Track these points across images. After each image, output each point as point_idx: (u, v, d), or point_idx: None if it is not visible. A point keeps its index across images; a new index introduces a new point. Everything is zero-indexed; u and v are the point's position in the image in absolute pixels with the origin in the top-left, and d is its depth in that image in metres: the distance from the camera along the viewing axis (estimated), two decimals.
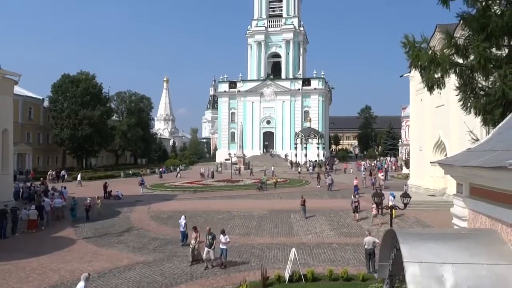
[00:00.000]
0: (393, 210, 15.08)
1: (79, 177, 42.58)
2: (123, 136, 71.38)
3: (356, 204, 22.99)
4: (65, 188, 30.50)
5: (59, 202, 24.33)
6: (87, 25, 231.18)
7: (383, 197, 16.43)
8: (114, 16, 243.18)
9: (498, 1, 9.89)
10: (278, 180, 39.96)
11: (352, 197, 24.28)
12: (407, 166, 44.17)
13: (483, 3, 9.82)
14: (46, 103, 59.37)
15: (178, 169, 57.30)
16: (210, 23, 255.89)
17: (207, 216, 23.92)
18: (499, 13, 9.63)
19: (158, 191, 37.19)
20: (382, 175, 38.96)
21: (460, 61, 10.43)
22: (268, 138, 78.42)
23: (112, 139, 67.01)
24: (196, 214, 24.62)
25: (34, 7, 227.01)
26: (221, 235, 14.74)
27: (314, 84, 76.61)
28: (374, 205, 21.94)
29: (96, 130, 57.47)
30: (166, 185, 40.50)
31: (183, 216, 18.65)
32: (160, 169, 55.27)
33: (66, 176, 46.62)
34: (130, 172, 54.40)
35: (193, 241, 15.23)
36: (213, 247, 14.39)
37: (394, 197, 23.75)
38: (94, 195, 31.94)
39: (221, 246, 14.55)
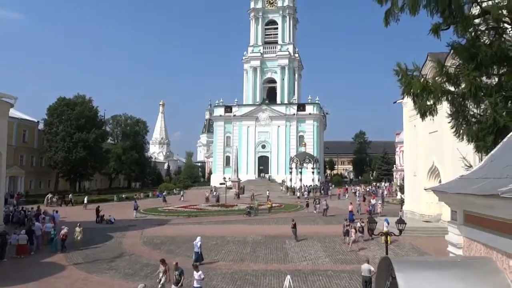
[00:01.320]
0: (388, 236, 14.96)
1: (85, 200, 42.50)
2: (118, 159, 71.11)
3: (348, 228, 23.16)
4: (56, 212, 30.03)
5: (49, 227, 23.85)
6: (85, 48, 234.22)
7: (376, 223, 16.34)
8: (113, 40, 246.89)
9: (487, 32, 10.20)
10: (273, 205, 39.70)
11: (344, 221, 24.64)
12: (402, 192, 44.16)
13: (473, 34, 10.11)
14: (41, 126, 59.29)
15: (181, 192, 56.95)
16: (206, 48, 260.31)
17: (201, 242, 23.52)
18: (488, 43, 9.92)
19: (152, 215, 36.69)
20: (377, 201, 38.78)
21: (452, 89, 10.64)
22: (263, 163, 78.39)
23: (107, 162, 66.67)
24: (189, 239, 24.14)
25: (34, 31, 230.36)
26: (194, 272, 13.34)
27: (309, 109, 77.40)
28: (353, 230, 22.06)
29: (91, 153, 57.24)
30: (160, 210, 40.03)
31: (198, 237, 18.95)
32: (164, 193, 54.99)
33: (72, 200, 45.82)
34: (123, 196, 53.86)
35: (161, 275, 13.76)
36: (180, 284, 13.02)
37: (388, 223, 23.64)
38: (90, 219, 31.61)
39: (195, 284, 13.21)
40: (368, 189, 60.47)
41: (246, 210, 36.42)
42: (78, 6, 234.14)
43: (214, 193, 53.71)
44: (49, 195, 46.13)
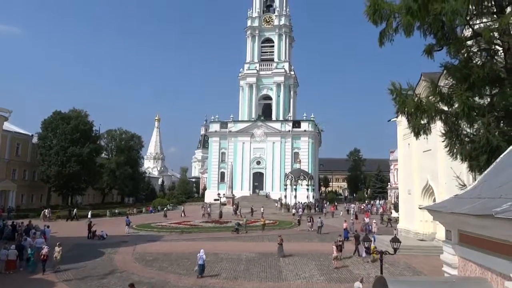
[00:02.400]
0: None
1: (89, 215, 42.03)
2: (111, 174, 70.58)
3: (340, 243, 23.45)
4: (48, 227, 29.55)
5: (40, 242, 23.41)
6: (82, 63, 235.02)
7: (370, 242, 16.24)
8: (110, 55, 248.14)
9: (479, 53, 10.42)
10: (267, 222, 39.34)
11: (338, 237, 25.20)
12: (396, 210, 44.09)
13: (465, 55, 10.33)
14: (35, 140, 58.91)
15: (182, 207, 56.47)
16: (203, 65, 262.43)
17: (194, 259, 23.14)
18: (480, 64, 10.11)
19: (144, 231, 36.25)
20: (371, 220, 38.55)
21: (445, 108, 10.78)
22: (258, 179, 78.15)
23: (100, 177, 66.11)
24: (182, 256, 23.93)
25: (30, 45, 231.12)
26: None
27: (304, 126, 77.76)
28: (334, 247, 21.99)
29: (84, 168, 56.79)
30: (153, 225, 39.56)
31: (202, 250, 19.41)
32: (165, 208, 54.20)
33: (77, 215, 45.27)
34: (116, 211, 53.24)
35: None
36: None
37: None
38: (82, 234, 31.12)
39: None
40: (363, 207, 60.31)
41: (234, 227, 35.74)
42: (75, 21, 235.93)
43: (208, 209, 53.41)
44: (46, 210, 45.48)
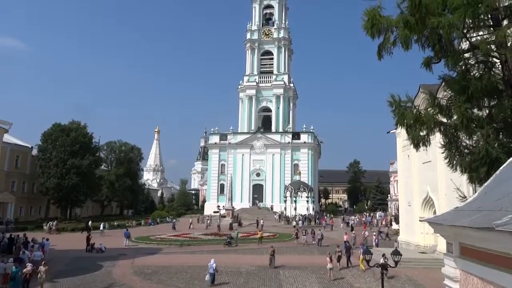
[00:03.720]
0: (382, 268, 14.69)
1: (101, 227, 41.77)
2: (111, 186, 70.38)
3: (339, 254, 24.03)
4: (47, 239, 29.29)
5: (38, 255, 23.27)
6: (82, 75, 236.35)
7: (371, 255, 16.09)
8: (110, 68, 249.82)
9: (476, 65, 10.49)
10: (264, 234, 38.81)
11: (336, 247, 25.54)
12: (397, 222, 43.85)
13: (463, 67, 10.40)
14: (35, 152, 58.87)
15: (190, 219, 56.29)
16: (202, 77, 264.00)
17: (193, 272, 23.01)
18: (478, 76, 10.18)
19: (143, 244, 35.96)
20: (370, 232, 38.12)
21: (444, 120, 10.81)
22: (257, 191, 77.89)
23: (99, 189, 65.88)
24: (181, 269, 23.71)
25: (33, 58, 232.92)
26: None
27: (304, 138, 77.85)
28: (328, 258, 21.93)
29: (84, 180, 56.57)
30: (152, 238, 39.25)
31: (212, 260, 20.33)
32: (173, 220, 53.85)
33: (91, 228, 44.72)
34: (115, 223, 52.91)
35: None
36: None
37: (363, 250, 24.94)
38: (81, 247, 30.84)
39: None
40: (363, 219, 59.91)
41: (226, 240, 35.13)
42: (77, 36, 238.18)
43: (207, 220, 53.31)
44: (51, 222, 45.21)
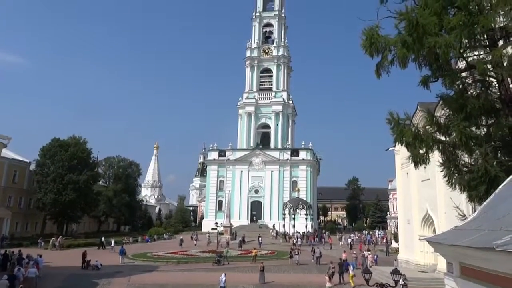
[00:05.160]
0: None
1: (112, 243, 41.46)
2: (108, 202, 69.83)
3: (333, 270, 24.23)
4: (40, 256, 28.89)
5: (32, 272, 22.89)
6: (80, 91, 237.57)
7: (371, 274, 15.89)
8: (111, 84, 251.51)
9: (473, 84, 10.59)
10: (262, 252, 38.27)
11: (330, 263, 25.87)
12: (396, 240, 43.45)
13: (460, 86, 10.50)
14: (32, 167, 58.59)
15: (196, 236, 55.69)
16: (202, 93, 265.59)
17: None
18: (475, 95, 10.26)
19: (140, 261, 35.46)
20: (367, 251, 37.45)
21: (443, 138, 10.85)
22: (256, 208, 77.39)
23: (96, 205, 65.33)
24: None
25: (33, 74, 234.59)
26: None
27: (303, 154, 77.84)
28: (327, 277, 21.76)
29: (81, 195, 56.11)
30: (149, 255, 38.75)
31: (224, 274, 21.71)
32: (181, 237, 53.11)
33: (105, 244, 44.76)
34: (111, 240, 52.21)
35: None
36: None
37: (353, 267, 26.17)
38: (76, 264, 30.39)
39: None
40: (363, 237, 59.35)
41: (215, 258, 34.15)
42: (76, 52, 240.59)
43: (208, 238, 52.57)
44: (54, 238, 44.69)
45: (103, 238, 47.57)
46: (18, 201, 56.48)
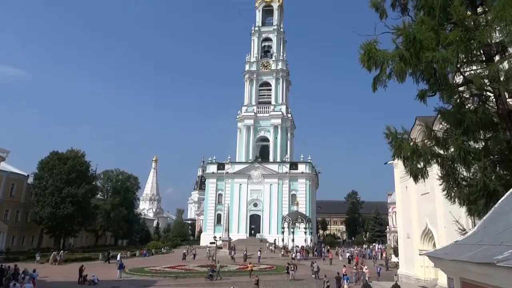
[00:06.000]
0: None
1: (118, 257, 41.30)
2: (106, 215, 69.34)
3: (328, 284, 24.59)
4: (34, 271, 28.52)
5: (28, 287, 22.61)
6: (78, 105, 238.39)
7: None
8: (111, 100, 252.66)
9: (471, 99, 10.66)
10: (261, 266, 37.84)
11: (324, 277, 26.22)
12: (396, 254, 43.04)
13: (458, 100, 10.56)
14: (30, 180, 58.31)
15: (193, 250, 54.73)
16: (201, 106, 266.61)
17: None
18: (473, 109, 10.31)
19: (137, 276, 35.06)
20: (366, 268, 36.87)
21: (441, 152, 10.85)
22: (255, 221, 76.90)
23: (94, 219, 64.87)
24: None
25: (33, 87, 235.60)
26: None
27: (301, 168, 77.73)
28: None
29: (78, 209, 55.66)
30: (146, 270, 38.32)
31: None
32: (184, 251, 52.38)
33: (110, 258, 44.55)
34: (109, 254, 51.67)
35: None
36: None
37: (347, 280, 26.89)
38: (73, 279, 30.02)
39: None
40: (362, 251, 58.87)
41: (208, 273, 33.39)
42: (76, 65, 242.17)
43: (207, 252, 51.83)
44: (55, 252, 44.28)
45: (110, 252, 47.37)
46: (15, 214, 56.06)
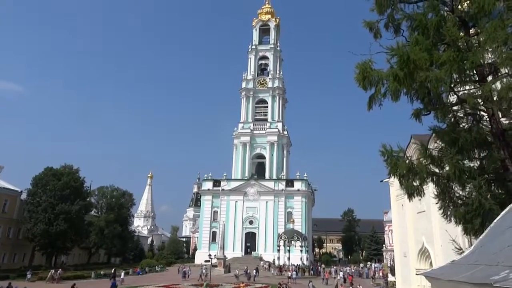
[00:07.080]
0: None
1: (122, 274, 40.50)
2: (100, 232, 68.42)
3: None
4: None
5: None
6: (74, 120, 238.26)
7: None
8: (108, 114, 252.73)
9: (465, 118, 10.77)
10: (257, 285, 37.26)
11: None
12: (393, 273, 42.60)
13: (452, 119, 10.66)
14: (24, 196, 57.61)
15: (188, 269, 54.01)
16: (197, 123, 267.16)
17: None
18: (467, 128, 10.41)
19: None
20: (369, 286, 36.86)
21: (436, 170, 10.89)
22: (250, 239, 76.11)
23: (87, 236, 63.91)
24: None
25: (29, 102, 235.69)
26: None
27: (297, 185, 77.52)
28: None
29: (72, 226, 54.89)
30: None
31: None
32: (185, 269, 51.12)
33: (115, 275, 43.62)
34: (101, 272, 50.80)
35: None
36: None
37: None
38: None
39: None
40: (359, 270, 58.23)
41: None
42: (70, 81, 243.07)
43: (203, 270, 50.20)
44: (52, 271, 43.38)
45: (114, 270, 47.04)
46: (7, 231, 55.18)
